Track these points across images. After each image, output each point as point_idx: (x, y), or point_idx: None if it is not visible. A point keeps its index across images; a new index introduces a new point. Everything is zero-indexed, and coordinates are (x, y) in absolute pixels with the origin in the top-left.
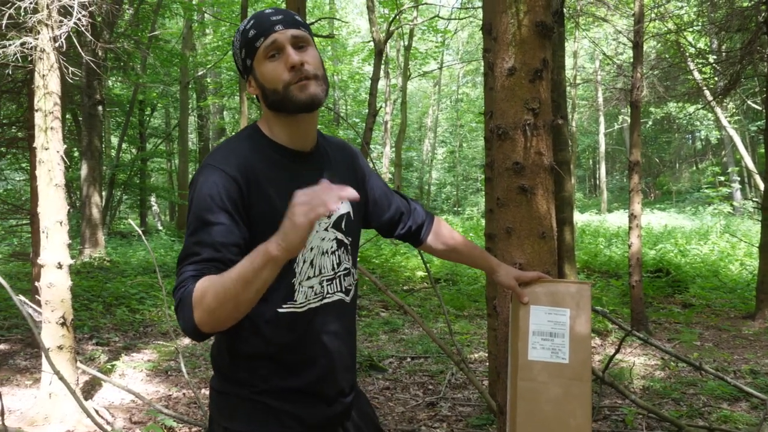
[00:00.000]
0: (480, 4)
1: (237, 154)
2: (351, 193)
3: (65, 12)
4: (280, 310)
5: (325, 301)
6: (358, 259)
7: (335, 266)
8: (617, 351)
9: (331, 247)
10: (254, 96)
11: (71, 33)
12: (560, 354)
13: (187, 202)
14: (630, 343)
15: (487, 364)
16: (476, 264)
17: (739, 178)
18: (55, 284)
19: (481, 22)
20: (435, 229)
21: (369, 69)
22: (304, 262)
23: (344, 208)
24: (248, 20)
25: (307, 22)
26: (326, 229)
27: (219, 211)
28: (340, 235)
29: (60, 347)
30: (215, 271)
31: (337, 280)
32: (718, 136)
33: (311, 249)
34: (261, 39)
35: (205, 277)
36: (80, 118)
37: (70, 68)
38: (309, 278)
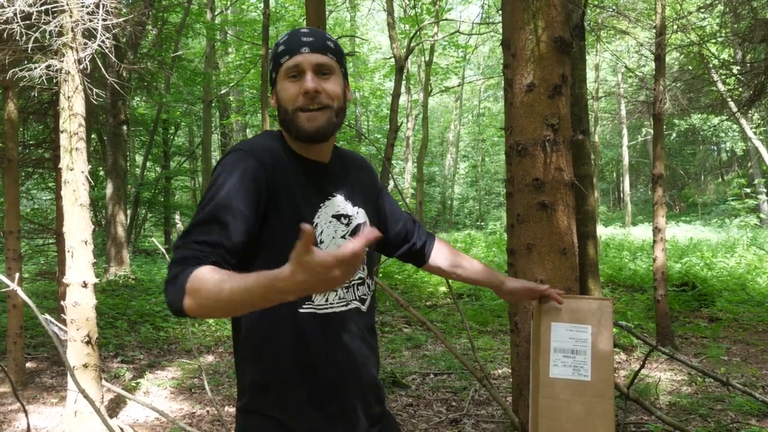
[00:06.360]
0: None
1: (265, 144)
2: (371, 234)
3: (89, 34)
4: (300, 310)
5: (350, 307)
6: (376, 271)
7: None
8: (642, 366)
9: None
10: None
11: (95, 55)
12: (582, 371)
13: (211, 178)
14: (656, 359)
15: (511, 380)
16: (482, 280)
17: (765, 190)
18: (80, 303)
19: (501, 37)
20: (438, 248)
21: (390, 85)
22: None
23: (361, 217)
24: (285, 35)
25: None
26: (343, 237)
27: (240, 196)
28: None
29: (85, 365)
30: (217, 259)
31: (353, 288)
32: (744, 148)
33: None
34: (286, 57)
35: (207, 267)
36: (105, 138)
37: (95, 89)
38: None
